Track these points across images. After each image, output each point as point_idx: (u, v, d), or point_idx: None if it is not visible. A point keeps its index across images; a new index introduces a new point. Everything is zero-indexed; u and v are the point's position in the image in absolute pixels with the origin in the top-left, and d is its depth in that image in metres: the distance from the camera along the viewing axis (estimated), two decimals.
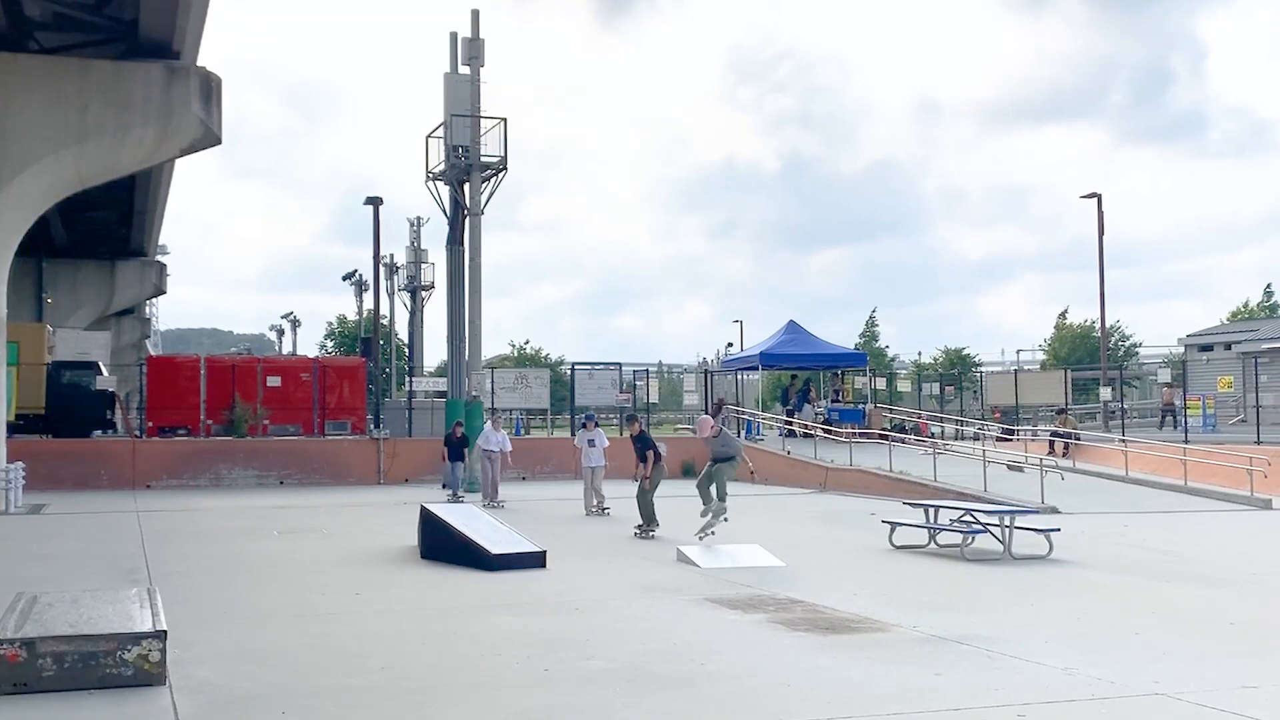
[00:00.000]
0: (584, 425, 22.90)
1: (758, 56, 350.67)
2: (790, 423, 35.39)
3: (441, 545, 14.76)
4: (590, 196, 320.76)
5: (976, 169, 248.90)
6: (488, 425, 25.20)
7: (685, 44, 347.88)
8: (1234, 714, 7.26)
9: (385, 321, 59.46)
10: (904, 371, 62.46)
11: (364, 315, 60.71)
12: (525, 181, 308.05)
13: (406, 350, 62.41)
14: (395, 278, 60.31)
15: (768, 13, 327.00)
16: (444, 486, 26.02)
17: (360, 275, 61.06)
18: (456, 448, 25.83)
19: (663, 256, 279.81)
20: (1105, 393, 39.86)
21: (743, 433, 36.14)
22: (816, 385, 39.72)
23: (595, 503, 21.66)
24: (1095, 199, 41.03)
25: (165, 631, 7.94)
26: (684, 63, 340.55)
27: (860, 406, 38.38)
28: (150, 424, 32.80)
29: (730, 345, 72.16)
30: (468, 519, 15.22)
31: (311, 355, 58.67)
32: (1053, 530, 15.53)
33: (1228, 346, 50.31)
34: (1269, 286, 74.36)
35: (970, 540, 15.65)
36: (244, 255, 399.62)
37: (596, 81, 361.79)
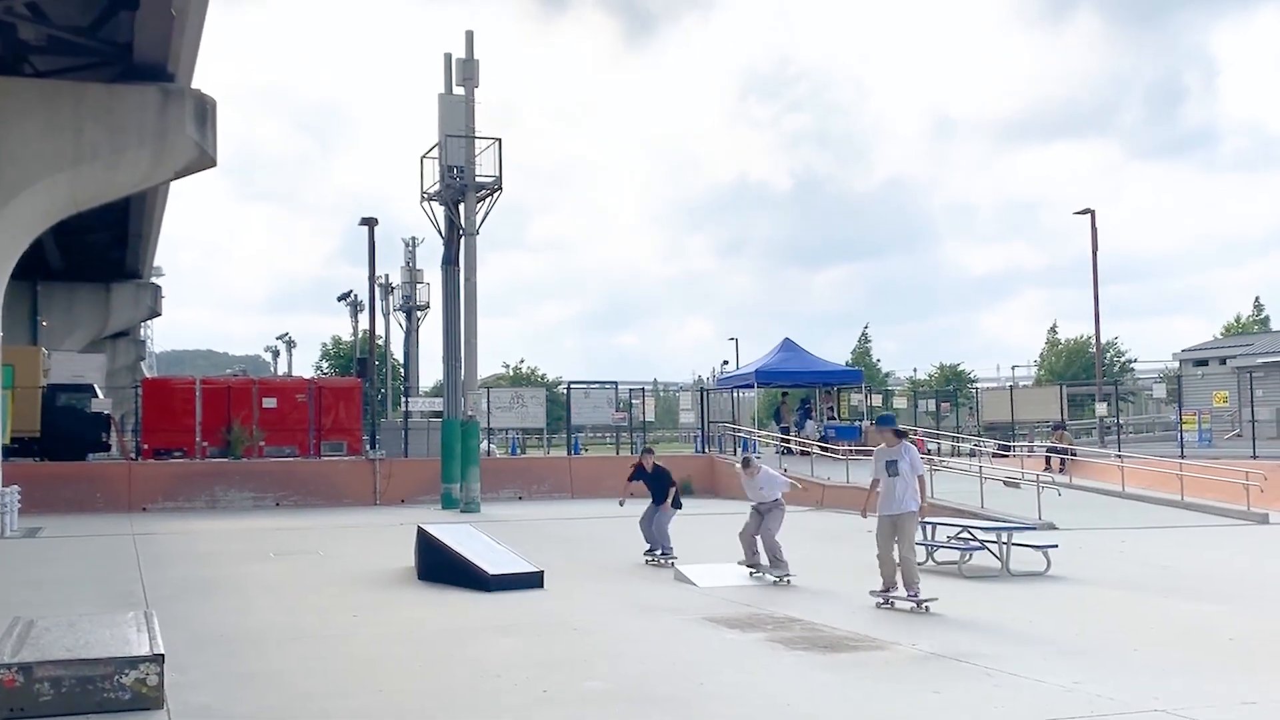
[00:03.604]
0: (884, 434, 13.30)
1: (776, 76, 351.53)
2: (787, 440, 35.37)
3: (438, 566, 14.73)
4: (600, 215, 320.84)
5: (987, 185, 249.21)
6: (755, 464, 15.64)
7: (705, 64, 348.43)
8: None
9: (381, 342, 59.45)
10: (899, 388, 62.47)
11: (359, 336, 60.70)
12: (536, 201, 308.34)
13: (402, 371, 62.36)
14: (391, 298, 60.33)
15: (788, 33, 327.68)
16: (650, 551, 17.09)
17: (356, 296, 61.05)
18: (659, 485, 17.32)
19: (668, 275, 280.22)
20: (1101, 408, 39.88)
21: (740, 451, 36.11)
22: (813, 403, 39.74)
23: (890, 584, 12.66)
24: (1089, 215, 41.11)
25: (162, 655, 7.92)
26: (703, 82, 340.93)
27: (857, 424, 38.37)
28: (146, 446, 32.73)
29: (726, 363, 72.17)
30: (464, 539, 15.18)
31: (307, 376, 58.65)
32: (1050, 546, 15.52)
33: (1223, 361, 50.37)
34: (1258, 299, 74.75)
35: (968, 557, 15.65)
36: (247, 277, 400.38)
37: (615, 101, 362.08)
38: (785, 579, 14.62)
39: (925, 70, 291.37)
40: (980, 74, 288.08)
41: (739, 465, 16.06)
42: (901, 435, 13.08)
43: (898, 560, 12.50)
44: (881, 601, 12.37)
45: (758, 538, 15.00)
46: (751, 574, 15.02)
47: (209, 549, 19.62)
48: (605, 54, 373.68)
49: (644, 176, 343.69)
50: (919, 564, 15.95)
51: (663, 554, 16.94)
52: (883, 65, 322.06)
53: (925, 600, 12.15)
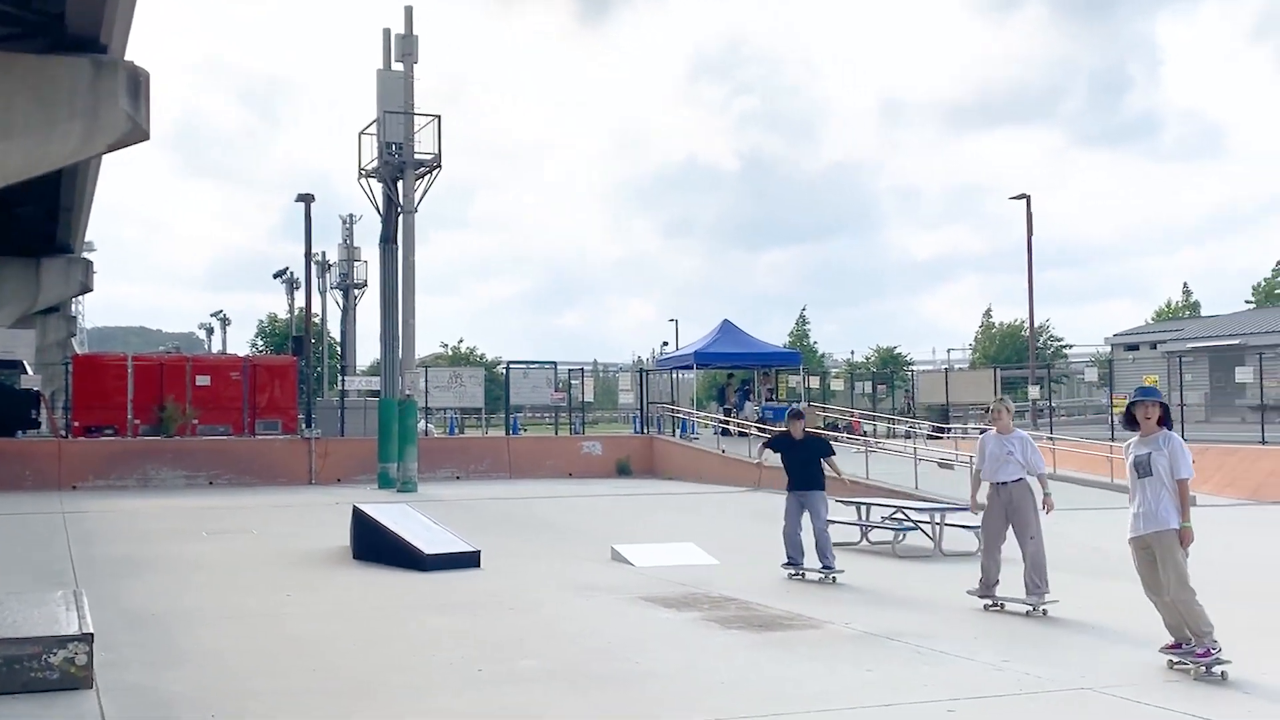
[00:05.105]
0: (1134, 422, 9.42)
1: (727, 57, 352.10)
2: (726, 421, 35.56)
3: (374, 545, 14.66)
4: (548, 194, 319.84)
5: (933, 169, 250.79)
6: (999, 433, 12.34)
7: (657, 45, 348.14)
8: (1157, 707, 7.40)
9: (317, 320, 58.92)
10: (836, 370, 62.96)
11: (295, 314, 60.11)
12: (483, 178, 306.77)
13: (339, 349, 61.88)
14: (328, 276, 59.80)
15: (740, 14, 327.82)
16: (788, 562, 13.18)
17: (292, 273, 60.43)
18: (806, 463, 13.34)
19: (614, 255, 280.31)
20: (1033, 391, 40.42)
21: (678, 431, 36.23)
22: (752, 384, 39.96)
23: (1181, 638, 8.49)
24: (1025, 200, 41.67)
25: (92, 634, 7.82)
26: (655, 63, 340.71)
27: (794, 405, 38.61)
28: (76, 424, 32.26)
29: (666, 344, 72.34)
30: (400, 519, 15.11)
31: (242, 354, 58.03)
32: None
33: (1153, 346, 51.29)
34: (1186, 285, 76.30)
35: (901, 537, 15.82)
36: (185, 252, 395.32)
37: (566, 80, 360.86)
38: (1042, 609, 10.81)
39: (875, 54, 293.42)
40: (929, 58, 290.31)
41: (992, 408, 11.98)
42: (1166, 421, 9.33)
43: (1168, 599, 8.44)
44: (1175, 660, 8.45)
45: (1002, 548, 11.10)
46: (988, 606, 11.10)
47: (141, 528, 19.37)
48: (558, 33, 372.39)
49: (593, 156, 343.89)
50: (853, 544, 16.07)
51: (824, 569, 12.80)
52: (833, 48, 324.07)
53: (1220, 665, 8.11)
